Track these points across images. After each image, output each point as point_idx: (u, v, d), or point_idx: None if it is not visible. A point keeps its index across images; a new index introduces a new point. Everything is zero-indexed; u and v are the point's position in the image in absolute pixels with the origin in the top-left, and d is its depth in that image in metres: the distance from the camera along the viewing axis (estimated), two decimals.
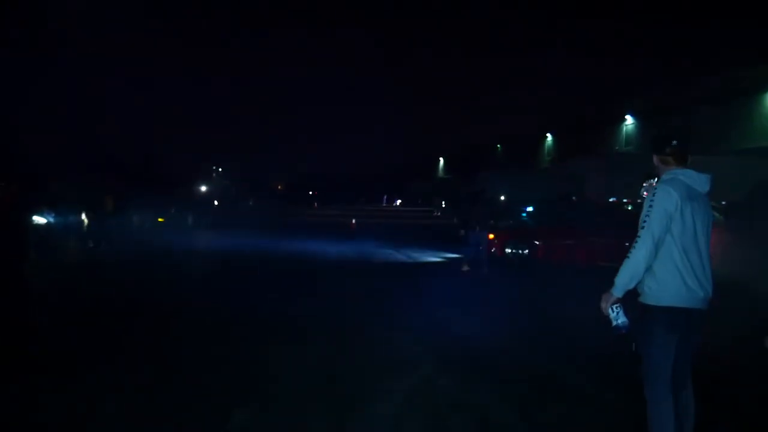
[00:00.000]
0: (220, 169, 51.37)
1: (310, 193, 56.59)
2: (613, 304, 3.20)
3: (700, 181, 3.27)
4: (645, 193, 3.75)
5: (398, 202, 55.48)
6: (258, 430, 4.05)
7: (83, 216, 14.23)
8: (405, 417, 4.24)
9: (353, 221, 26.39)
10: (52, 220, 12.83)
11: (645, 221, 3.14)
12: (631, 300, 3.26)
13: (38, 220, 12.27)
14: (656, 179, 3.71)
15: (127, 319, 7.29)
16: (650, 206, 3.15)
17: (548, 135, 42.58)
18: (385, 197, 52.80)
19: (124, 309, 7.86)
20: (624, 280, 3.17)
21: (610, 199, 24.60)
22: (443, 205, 43.52)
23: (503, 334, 6.74)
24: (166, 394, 4.62)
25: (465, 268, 11.98)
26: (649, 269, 3.16)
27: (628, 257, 3.16)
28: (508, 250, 13.29)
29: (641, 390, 3.27)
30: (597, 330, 3.98)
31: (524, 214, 27.30)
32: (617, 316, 3.19)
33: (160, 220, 23.30)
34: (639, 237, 3.14)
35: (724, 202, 15.25)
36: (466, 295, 9.66)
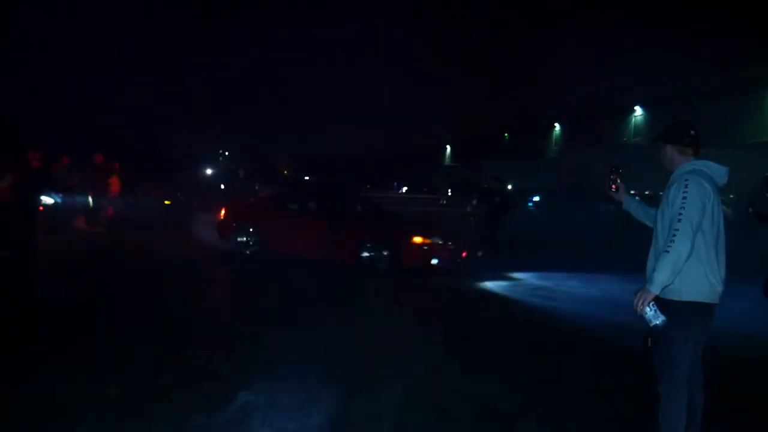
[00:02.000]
0: (226, 153, 51.34)
1: (306, 178, 56.39)
2: (650, 302, 3.06)
3: (720, 174, 3.21)
4: (613, 186, 3.60)
5: (404, 189, 55.30)
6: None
7: (89, 197, 14.29)
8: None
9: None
10: (59, 200, 12.83)
11: (681, 213, 3.02)
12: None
13: (45, 200, 12.29)
14: (620, 171, 3.60)
15: (129, 299, 7.32)
16: (684, 198, 3.04)
17: (556, 125, 42.34)
18: (396, 184, 52.46)
19: (127, 289, 7.89)
20: (665, 276, 3.02)
21: None
22: (449, 194, 43.36)
23: None
24: (171, 373, 4.66)
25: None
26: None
27: (667, 252, 3.02)
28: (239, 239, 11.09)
29: (643, 381, 3.27)
30: None
31: (530, 203, 27.21)
32: (656, 315, 3.06)
33: (167, 202, 23.33)
34: (677, 230, 3.01)
35: (732, 196, 15.12)
36: None
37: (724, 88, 25.77)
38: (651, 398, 3.28)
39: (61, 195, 12.40)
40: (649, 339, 3.18)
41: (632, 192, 3.69)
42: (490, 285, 9.51)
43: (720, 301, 3.20)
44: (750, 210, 3.84)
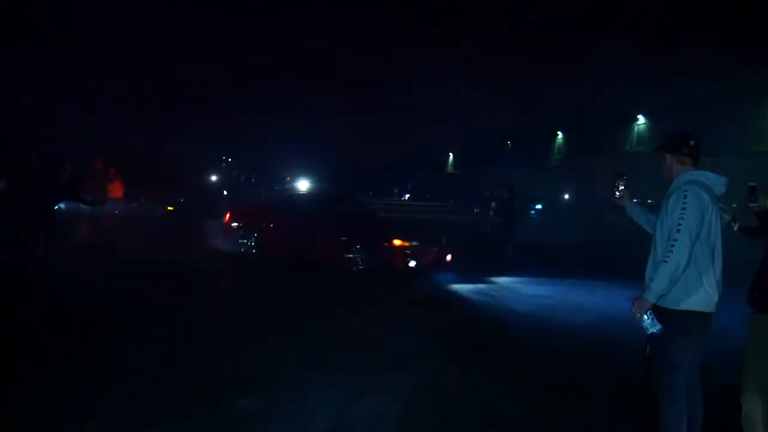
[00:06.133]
0: (229, 159, 51.51)
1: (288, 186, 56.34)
2: (647, 310, 3.10)
3: (719, 184, 3.25)
4: (617, 192, 3.61)
5: (407, 196, 55.30)
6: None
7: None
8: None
9: None
10: (62, 206, 12.86)
11: (680, 224, 3.06)
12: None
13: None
14: (624, 177, 3.61)
15: (131, 306, 7.33)
16: (683, 209, 3.08)
17: (559, 133, 42.37)
18: (397, 190, 52.45)
19: (128, 296, 7.90)
20: (662, 285, 3.07)
21: None
22: (450, 201, 43.32)
23: None
24: (173, 381, 4.66)
25: None
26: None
27: (665, 261, 3.06)
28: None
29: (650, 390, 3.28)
30: None
31: (533, 211, 27.17)
32: (653, 323, 3.10)
33: (169, 208, 23.38)
34: (676, 240, 3.05)
35: (734, 205, 15.09)
36: None
37: (729, 96, 25.74)
38: (653, 405, 3.29)
39: (64, 201, 12.45)
40: (648, 347, 3.22)
41: (635, 200, 3.72)
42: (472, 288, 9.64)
43: (716, 310, 3.23)
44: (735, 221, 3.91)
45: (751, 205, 3.73)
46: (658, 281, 3.07)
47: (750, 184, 3.69)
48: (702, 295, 3.13)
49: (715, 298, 3.18)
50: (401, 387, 4.66)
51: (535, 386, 4.96)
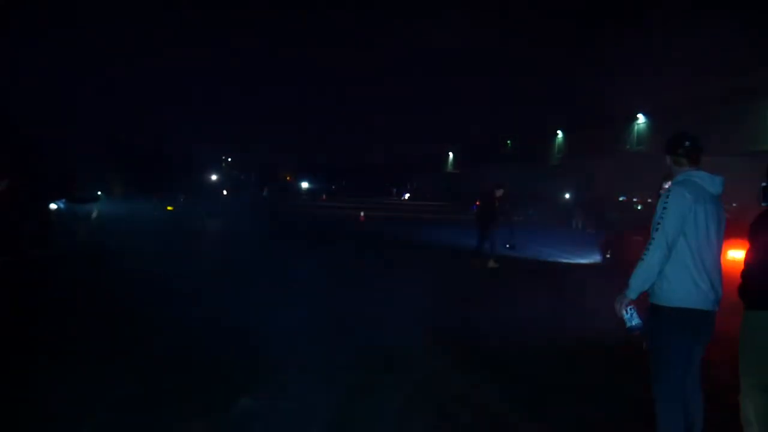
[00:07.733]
0: (229, 159, 51.60)
1: (288, 179, 55.90)
2: (627, 306, 3.22)
3: (713, 184, 3.28)
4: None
5: (407, 195, 55.32)
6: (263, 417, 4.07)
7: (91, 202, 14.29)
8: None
9: (362, 214, 26.37)
10: (62, 206, 12.88)
11: (659, 223, 3.14)
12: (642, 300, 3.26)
13: (51, 206, 12.32)
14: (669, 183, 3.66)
15: (129, 305, 7.33)
16: (664, 208, 3.15)
17: (559, 132, 42.41)
18: (395, 190, 52.65)
19: (126, 295, 7.90)
20: (638, 282, 3.18)
21: (620, 198, 24.48)
22: (450, 201, 43.37)
23: None
24: (172, 379, 4.66)
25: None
26: (661, 270, 3.16)
27: (642, 260, 3.16)
28: None
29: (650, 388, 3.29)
30: None
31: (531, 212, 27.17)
32: (631, 318, 3.22)
33: (169, 208, 23.44)
34: (653, 239, 3.14)
35: (734, 204, 15.07)
36: None
37: (728, 96, 25.73)
38: (651, 404, 3.29)
39: (63, 201, 12.48)
40: (644, 343, 3.26)
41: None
42: None
43: (717, 308, 3.23)
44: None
45: (763, 205, 3.74)
46: (634, 278, 3.19)
47: (763, 184, 3.71)
48: (694, 293, 3.14)
49: (711, 295, 3.17)
50: None
51: (535, 386, 4.96)
